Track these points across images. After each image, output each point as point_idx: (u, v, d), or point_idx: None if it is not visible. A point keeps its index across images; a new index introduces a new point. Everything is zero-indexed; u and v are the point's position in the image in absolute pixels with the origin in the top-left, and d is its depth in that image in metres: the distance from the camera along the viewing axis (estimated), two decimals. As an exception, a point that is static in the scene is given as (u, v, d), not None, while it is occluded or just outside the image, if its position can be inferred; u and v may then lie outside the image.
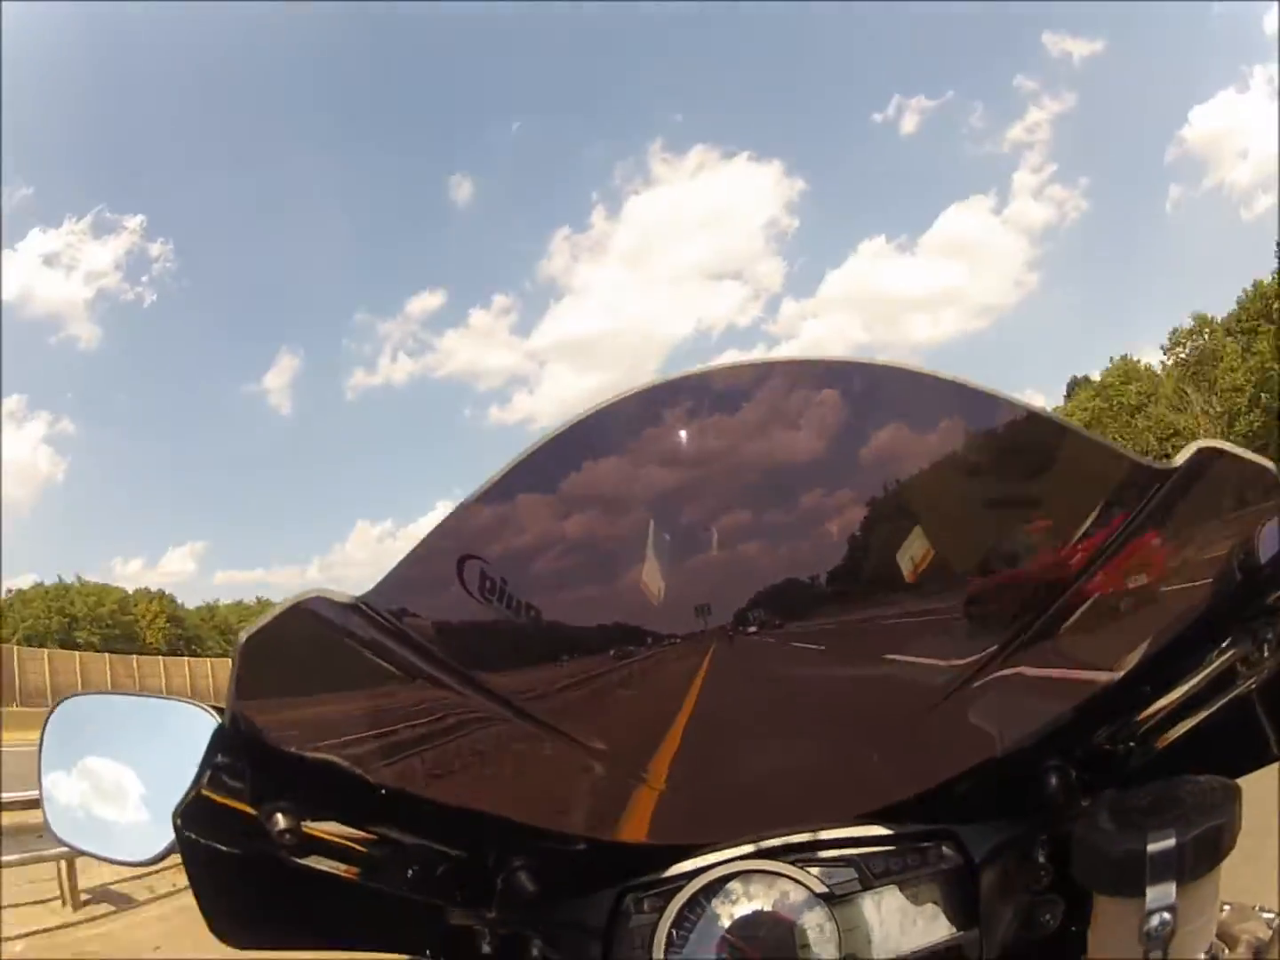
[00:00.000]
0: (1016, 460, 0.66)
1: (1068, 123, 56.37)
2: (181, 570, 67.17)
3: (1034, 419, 0.63)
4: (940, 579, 0.70)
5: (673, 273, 67.25)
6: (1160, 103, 57.48)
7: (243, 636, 0.63)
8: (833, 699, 0.79)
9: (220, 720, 0.67)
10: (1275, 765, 0.77)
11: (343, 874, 0.76)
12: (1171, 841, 0.60)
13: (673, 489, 0.66)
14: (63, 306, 59.62)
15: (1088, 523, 0.66)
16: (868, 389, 0.64)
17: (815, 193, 65.82)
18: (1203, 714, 0.74)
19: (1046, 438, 0.64)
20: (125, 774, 0.78)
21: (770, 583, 0.70)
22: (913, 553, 0.68)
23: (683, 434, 0.64)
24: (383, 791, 0.72)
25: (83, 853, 0.82)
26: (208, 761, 0.64)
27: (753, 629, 0.70)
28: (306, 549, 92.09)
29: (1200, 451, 0.61)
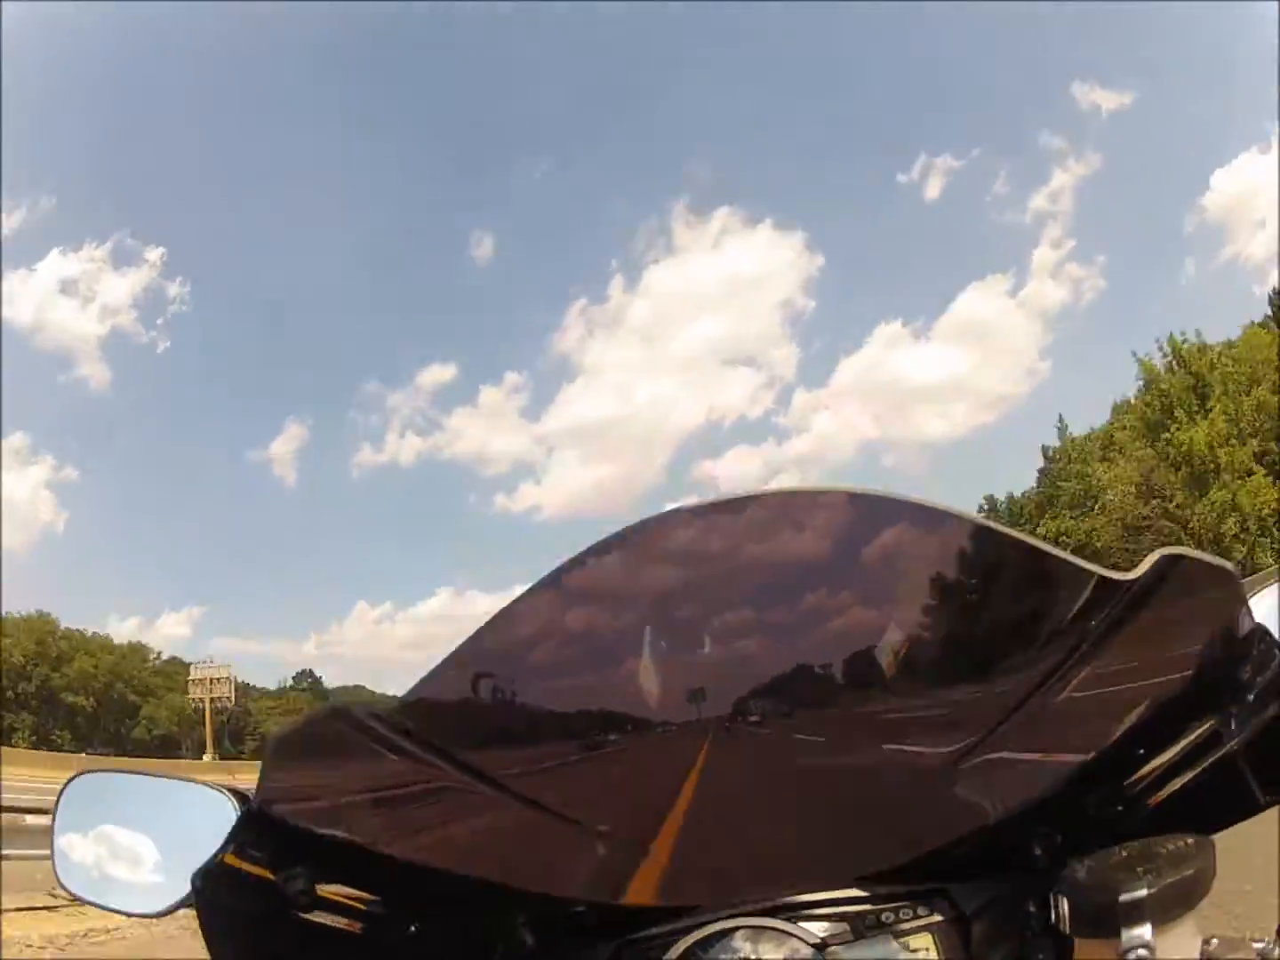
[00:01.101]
0: (988, 576, 0.72)
1: (1089, 188, 55.29)
2: (177, 634, 66.64)
3: (1001, 538, 0.69)
4: (929, 678, 0.76)
5: (687, 354, 67.04)
6: (1182, 165, 55.98)
7: (275, 731, 0.71)
8: (827, 779, 0.83)
9: (235, 803, 0.74)
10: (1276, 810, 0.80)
11: (353, 930, 0.80)
12: (1143, 891, 0.63)
13: (677, 601, 0.72)
14: (76, 342, 58.03)
15: (1060, 629, 0.71)
16: (853, 515, 0.70)
17: (835, 266, 64.92)
18: (1180, 781, 0.79)
19: (1015, 555, 0.69)
20: (137, 840, 0.82)
21: (766, 680, 0.75)
22: (904, 655, 0.74)
23: (688, 557, 0.70)
24: (393, 861, 0.77)
25: (93, 905, 0.85)
26: (233, 835, 0.70)
27: (752, 718, 0.74)
28: (304, 623, 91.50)
29: (1161, 559, 0.65)
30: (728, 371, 67.16)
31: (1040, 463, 39.44)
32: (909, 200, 62.56)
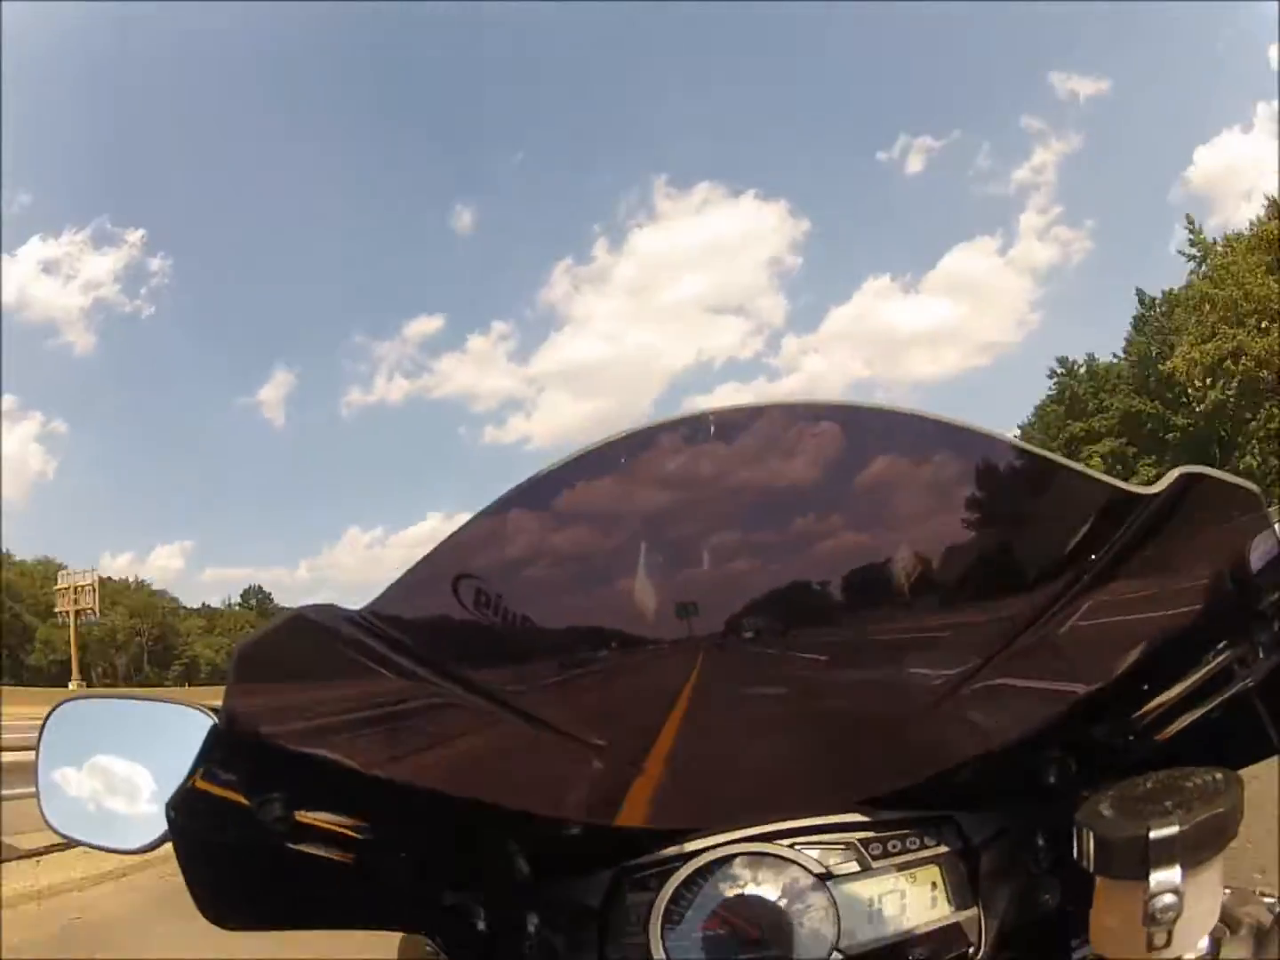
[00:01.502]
0: (1005, 490, 0.68)
1: (1074, 163, 55.47)
2: (170, 567, 66.53)
3: (1018, 452, 0.66)
4: (934, 596, 0.72)
5: (675, 305, 66.73)
6: (1165, 141, 56.08)
7: (240, 641, 0.64)
8: (831, 696, 0.80)
9: (216, 720, 0.68)
10: (1276, 757, 0.78)
11: (337, 858, 0.77)
12: (1175, 828, 0.60)
13: (665, 516, 0.68)
14: (60, 314, 58.84)
15: (1076, 545, 0.68)
16: (858, 428, 0.66)
17: (820, 232, 64.93)
18: (1200, 711, 0.76)
19: (1032, 469, 0.66)
20: (121, 770, 0.79)
21: (763, 594, 0.71)
22: (908, 573, 0.70)
23: (678, 469, 0.66)
24: (376, 782, 0.73)
25: (77, 842, 0.83)
26: (202, 756, 0.65)
27: (746, 634, 0.71)
28: (296, 551, 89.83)
29: (1182, 476, 0.62)
30: (716, 319, 67.04)
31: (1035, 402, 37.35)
32: (891, 176, 62.23)
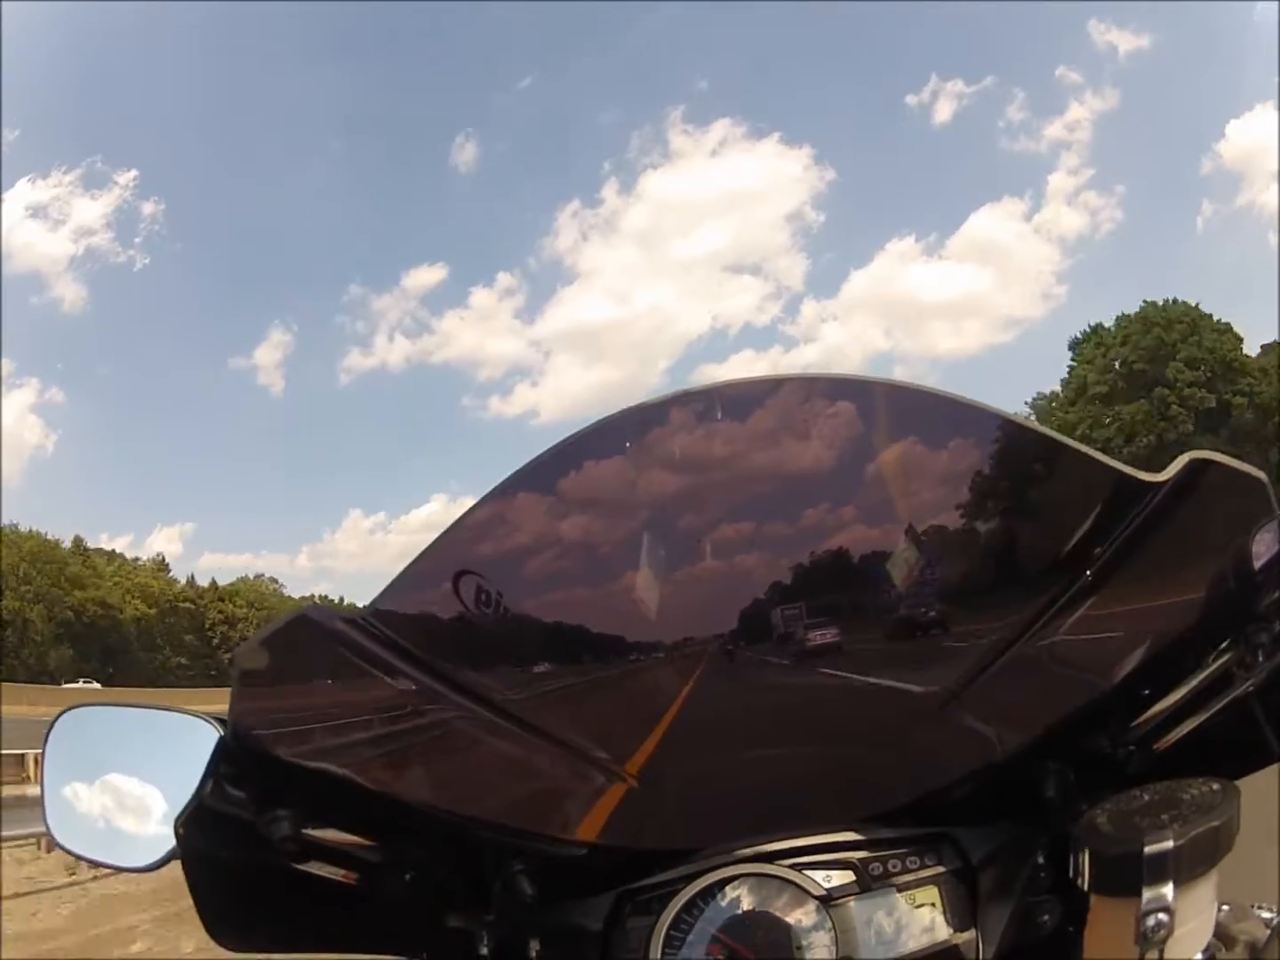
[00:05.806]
0: (1014, 474, 0.68)
1: (1106, 123, 55.41)
2: (167, 550, 66.50)
3: (1030, 434, 0.65)
4: (937, 592, 0.72)
5: (689, 261, 65.82)
6: (1200, 110, 56.28)
7: (242, 648, 0.64)
8: (830, 707, 0.80)
9: (222, 732, 0.68)
10: (1276, 766, 0.77)
11: (342, 879, 0.77)
12: (1169, 843, 0.60)
13: (674, 505, 0.67)
14: (47, 264, 58.28)
15: (1082, 533, 0.68)
16: (869, 406, 0.65)
17: (844, 182, 64.34)
18: (1200, 717, 0.74)
19: (1042, 452, 0.66)
20: (127, 783, 0.79)
21: (768, 596, 0.71)
22: (910, 567, 0.70)
23: (688, 450, 0.66)
24: (381, 798, 0.73)
25: (84, 859, 0.82)
26: (209, 772, 0.65)
27: (748, 641, 0.72)
28: (296, 536, 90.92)
29: (1192, 462, 0.62)
30: (733, 279, 65.81)
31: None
32: (920, 120, 61.12)
